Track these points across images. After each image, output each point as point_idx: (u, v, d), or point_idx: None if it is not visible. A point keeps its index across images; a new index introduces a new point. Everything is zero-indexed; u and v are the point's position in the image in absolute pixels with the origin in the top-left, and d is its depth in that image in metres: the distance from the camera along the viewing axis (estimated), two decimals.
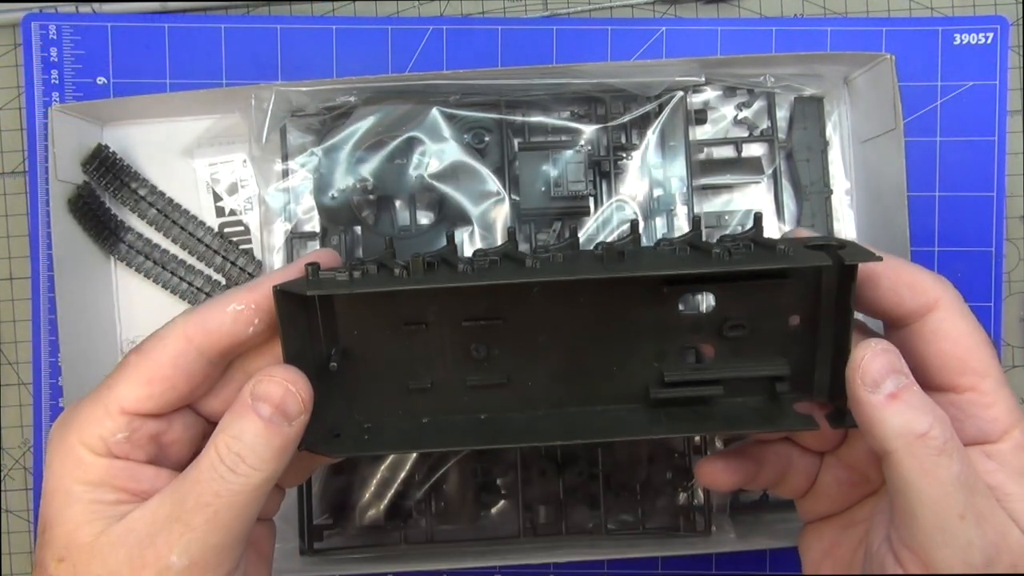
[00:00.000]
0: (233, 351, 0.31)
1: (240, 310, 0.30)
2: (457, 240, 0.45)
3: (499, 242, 0.45)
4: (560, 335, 0.33)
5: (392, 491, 0.46)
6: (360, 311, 0.33)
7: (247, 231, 0.49)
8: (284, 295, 0.30)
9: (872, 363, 0.29)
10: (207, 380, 0.31)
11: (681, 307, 0.33)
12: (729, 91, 0.48)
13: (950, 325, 0.31)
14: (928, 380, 0.32)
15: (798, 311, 0.33)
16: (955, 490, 0.28)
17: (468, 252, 0.39)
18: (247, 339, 0.31)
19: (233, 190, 0.49)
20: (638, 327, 0.33)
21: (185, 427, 0.31)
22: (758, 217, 0.33)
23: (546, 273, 0.30)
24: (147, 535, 0.28)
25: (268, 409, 0.29)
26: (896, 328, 0.33)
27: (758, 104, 0.49)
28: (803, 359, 0.33)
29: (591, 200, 0.46)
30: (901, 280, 0.32)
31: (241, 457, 0.28)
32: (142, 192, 0.48)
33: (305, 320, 0.32)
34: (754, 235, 0.33)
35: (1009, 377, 0.42)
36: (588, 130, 0.46)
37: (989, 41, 0.48)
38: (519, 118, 0.47)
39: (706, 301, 0.34)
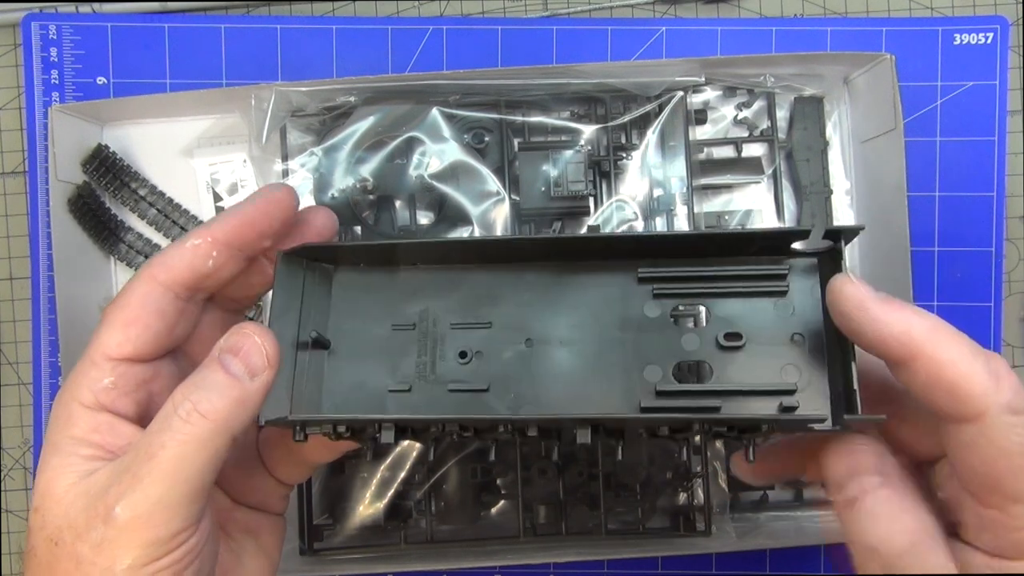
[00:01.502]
0: (197, 285, 0.32)
1: (198, 244, 0.31)
2: None
3: None
4: (549, 345, 0.33)
5: (392, 491, 0.46)
6: (354, 298, 0.34)
7: None
8: (287, 257, 0.33)
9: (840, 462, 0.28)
10: (182, 319, 0.32)
11: (672, 318, 0.33)
12: (729, 91, 0.48)
13: (987, 445, 0.26)
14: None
15: (795, 327, 0.32)
16: None
17: None
18: (209, 272, 0.31)
19: (233, 190, 0.49)
20: (631, 341, 0.33)
21: (171, 376, 0.32)
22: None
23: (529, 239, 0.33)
24: (104, 487, 0.28)
25: (231, 359, 0.29)
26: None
27: (758, 104, 0.49)
28: (808, 376, 0.32)
29: (591, 200, 0.46)
30: (941, 381, 0.26)
31: (194, 404, 0.28)
32: (142, 192, 0.48)
33: (299, 298, 0.33)
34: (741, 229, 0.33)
35: None
36: (588, 130, 0.46)
37: (989, 41, 0.48)
38: (519, 118, 0.47)
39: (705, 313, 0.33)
